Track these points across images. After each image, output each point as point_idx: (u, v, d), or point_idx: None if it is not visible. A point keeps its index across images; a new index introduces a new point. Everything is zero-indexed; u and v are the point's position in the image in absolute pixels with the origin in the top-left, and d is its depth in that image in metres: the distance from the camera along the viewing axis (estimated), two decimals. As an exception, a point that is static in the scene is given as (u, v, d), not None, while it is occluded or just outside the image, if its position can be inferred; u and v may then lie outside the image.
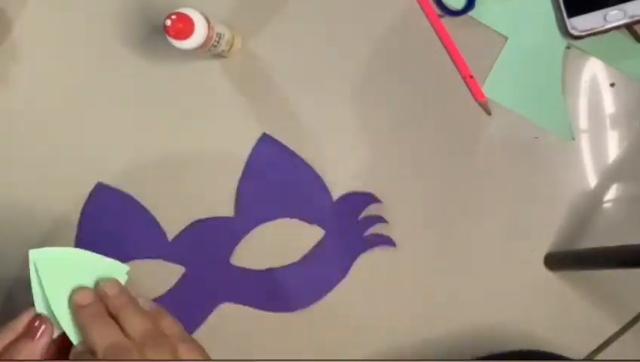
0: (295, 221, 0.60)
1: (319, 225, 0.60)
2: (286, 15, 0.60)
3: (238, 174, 0.59)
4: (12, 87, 0.58)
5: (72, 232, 0.57)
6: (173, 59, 0.59)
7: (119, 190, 0.58)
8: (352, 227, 0.60)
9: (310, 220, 0.60)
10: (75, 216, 0.57)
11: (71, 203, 0.58)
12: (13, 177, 0.57)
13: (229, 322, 0.58)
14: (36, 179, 0.57)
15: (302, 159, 0.60)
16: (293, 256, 0.60)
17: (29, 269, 0.55)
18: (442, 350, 0.60)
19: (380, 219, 0.60)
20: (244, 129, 0.59)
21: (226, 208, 0.59)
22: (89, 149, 0.58)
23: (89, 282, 0.45)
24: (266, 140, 0.59)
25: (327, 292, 0.60)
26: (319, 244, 0.60)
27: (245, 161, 0.59)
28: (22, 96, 0.58)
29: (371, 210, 0.60)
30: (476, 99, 0.61)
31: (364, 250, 0.60)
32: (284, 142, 0.59)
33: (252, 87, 0.60)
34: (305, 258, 0.60)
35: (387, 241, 0.60)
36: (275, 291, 0.59)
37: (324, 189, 0.60)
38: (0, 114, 0.58)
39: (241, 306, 0.59)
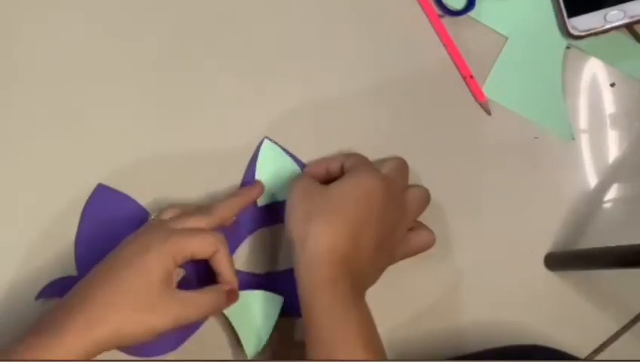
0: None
1: (318, 230, 0.60)
2: (285, 15, 0.60)
3: (239, 177, 0.59)
4: (12, 86, 0.58)
5: (72, 233, 0.57)
6: (176, 62, 0.59)
7: (120, 192, 0.57)
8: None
9: (310, 224, 0.60)
10: (76, 217, 0.57)
11: (71, 204, 0.57)
12: (14, 178, 0.57)
13: (229, 323, 0.58)
14: (37, 179, 0.57)
15: (302, 162, 0.59)
16: (293, 260, 0.59)
17: (28, 268, 0.56)
18: (441, 350, 0.60)
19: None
20: (246, 132, 0.59)
21: (225, 211, 0.59)
22: (90, 151, 0.58)
23: None
24: (267, 144, 0.59)
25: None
26: (319, 248, 0.59)
27: (246, 164, 0.59)
28: (22, 95, 0.58)
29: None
30: (476, 99, 0.61)
31: (363, 251, 0.60)
32: (285, 145, 0.59)
33: (254, 93, 0.60)
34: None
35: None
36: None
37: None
38: (0, 113, 0.58)
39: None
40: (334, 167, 0.56)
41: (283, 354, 0.58)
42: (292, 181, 0.54)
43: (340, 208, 0.50)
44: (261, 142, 0.59)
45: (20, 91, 0.58)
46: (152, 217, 0.56)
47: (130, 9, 0.59)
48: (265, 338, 0.56)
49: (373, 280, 0.53)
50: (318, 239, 0.49)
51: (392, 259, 0.55)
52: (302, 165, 0.59)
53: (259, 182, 0.58)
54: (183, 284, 0.55)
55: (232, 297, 0.53)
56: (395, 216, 0.53)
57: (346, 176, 0.53)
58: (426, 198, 0.57)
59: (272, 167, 0.59)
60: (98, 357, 0.46)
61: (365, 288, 0.52)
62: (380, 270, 0.54)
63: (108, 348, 0.47)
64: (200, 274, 0.55)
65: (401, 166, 0.56)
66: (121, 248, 0.50)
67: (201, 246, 0.51)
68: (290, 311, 0.57)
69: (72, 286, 0.49)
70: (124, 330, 0.47)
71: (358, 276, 0.50)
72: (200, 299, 0.51)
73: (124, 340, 0.47)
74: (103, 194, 0.58)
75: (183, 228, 0.52)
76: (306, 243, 0.49)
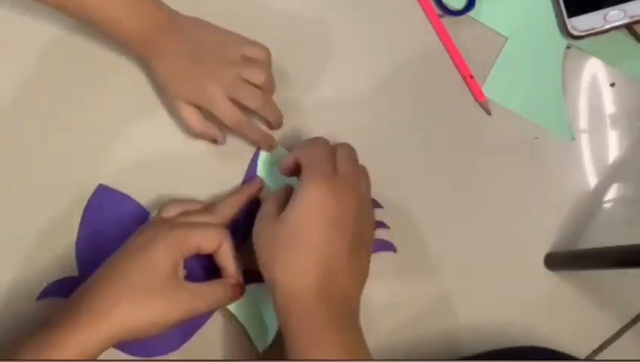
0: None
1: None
2: (286, 15, 0.60)
3: (240, 177, 0.59)
4: (13, 86, 0.58)
5: (73, 234, 0.57)
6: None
7: (121, 192, 0.58)
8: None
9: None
10: (77, 218, 0.57)
11: (72, 204, 0.57)
12: (15, 179, 0.57)
13: (230, 323, 0.58)
14: (38, 180, 0.57)
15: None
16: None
17: (29, 269, 0.56)
18: (441, 350, 0.60)
19: (381, 225, 0.60)
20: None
21: (227, 211, 0.59)
22: (90, 151, 0.58)
23: None
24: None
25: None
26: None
27: (247, 163, 0.59)
28: (23, 96, 0.58)
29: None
30: (476, 99, 0.61)
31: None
32: (288, 146, 0.59)
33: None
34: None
35: (388, 247, 0.60)
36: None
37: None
38: (1, 114, 0.58)
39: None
40: (292, 162, 0.53)
41: (282, 354, 0.58)
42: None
43: (299, 239, 0.48)
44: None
45: (21, 91, 0.58)
46: (153, 214, 0.56)
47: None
48: (274, 329, 0.56)
49: (359, 291, 0.51)
50: (285, 280, 0.47)
51: (369, 256, 0.52)
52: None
53: (258, 178, 0.58)
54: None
55: (237, 291, 0.53)
56: (358, 213, 0.50)
57: (296, 197, 0.49)
58: (364, 171, 0.54)
59: (273, 166, 0.59)
60: (99, 357, 0.47)
61: (353, 306, 0.49)
62: (362, 278, 0.51)
63: (117, 341, 0.46)
64: (205, 273, 0.56)
65: (352, 152, 0.53)
66: (126, 245, 0.50)
67: (206, 239, 0.51)
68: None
69: (74, 287, 0.49)
70: (130, 323, 0.46)
71: (340, 297, 0.48)
72: (208, 291, 0.51)
73: (133, 332, 0.47)
74: (103, 195, 0.58)
75: (188, 222, 0.52)
76: (276, 285, 0.47)
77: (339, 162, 0.51)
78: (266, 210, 0.51)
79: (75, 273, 0.56)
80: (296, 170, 0.53)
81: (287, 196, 0.50)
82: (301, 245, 0.47)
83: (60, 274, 0.56)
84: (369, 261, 0.52)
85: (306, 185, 0.48)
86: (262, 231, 0.50)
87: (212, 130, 0.57)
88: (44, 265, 0.56)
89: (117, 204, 0.58)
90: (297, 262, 0.47)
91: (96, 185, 0.57)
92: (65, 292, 0.55)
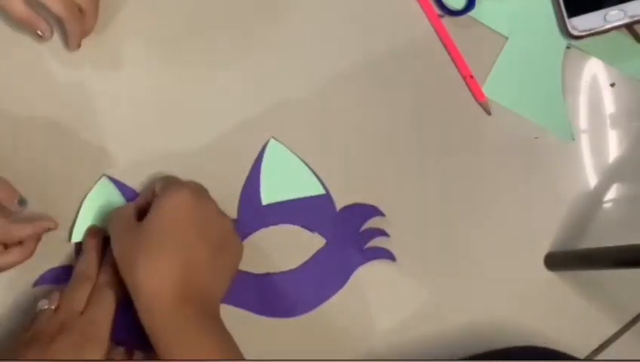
0: (297, 228, 0.59)
1: (321, 233, 0.59)
2: (284, 16, 0.61)
3: (243, 177, 0.59)
4: (16, 81, 0.59)
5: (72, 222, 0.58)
6: (182, 60, 0.60)
7: (124, 183, 0.58)
8: (353, 238, 0.60)
9: (312, 228, 0.60)
10: (76, 207, 0.58)
11: (75, 195, 0.58)
12: (16, 169, 0.58)
13: (225, 323, 0.58)
14: (40, 171, 0.58)
15: (308, 166, 0.60)
16: (292, 262, 0.59)
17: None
18: (441, 350, 0.60)
19: (381, 233, 0.60)
20: (252, 132, 0.59)
21: (228, 210, 0.59)
22: (94, 145, 0.58)
23: None
24: (272, 143, 0.59)
25: (324, 301, 0.59)
26: (319, 253, 0.59)
27: (251, 164, 0.59)
28: (26, 90, 0.59)
29: (373, 222, 0.60)
30: (476, 99, 0.61)
31: (363, 261, 0.60)
32: (291, 148, 0.59)
33: (260, 92, 0.60)
34: (304, 265, 0.59)
35: (387, 255, 0.60)
36: (272, 296, 0.59)
37: (329, 198, 0.60)
38: (5, 107, 0.59)
39: (236, 309, 0.58)
40: (150, 196, 0.55)
41: (280, 354, 0.58)
42: (109, 220, 0.55)
43: (156, 241, 0.49)
44: (267, 142, 0.59)
45: (25, 85, 0.59)
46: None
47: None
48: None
49: (222, 290, 0.53)
50: (147, 284, 0.48)
51: (237, 258, 0.54)
52: (307, 169, 0.60)
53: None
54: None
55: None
56: (215, 216, 0.53)
57: (152, 206, 0.52)
58: None
59: (277, 167, 0.59)
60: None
61: (215, 304, 0.51)
62: (227, 277, 0.53)
63: None
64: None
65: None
66: None
67: None
68: (285, 313, 0.58)
69: (70, 275, 0.50)
70: None
71: (202, 294, 0.50)
72: None
73: None
74: (107, 186, 0.58)
75: None
76: (138, 290, 0.48)
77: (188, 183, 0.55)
78: (125, 216, 0.53)
79: (73, 262, 0.57)
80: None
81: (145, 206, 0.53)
82: (160, 249, 0.49)
83: (58, 262, 0.56)
84: (233, 260, 0.54)
85: (166, 195, 0.51)
86: (122, 237, 0.51)
87: (34, 18, 0.53)
88: (43, 252, 0.56)
89: (120, 196, 0.58)
90: (156, 264, 0.48)
91: (100, 175, 0.58)
92: (61, 280, 0.55)
